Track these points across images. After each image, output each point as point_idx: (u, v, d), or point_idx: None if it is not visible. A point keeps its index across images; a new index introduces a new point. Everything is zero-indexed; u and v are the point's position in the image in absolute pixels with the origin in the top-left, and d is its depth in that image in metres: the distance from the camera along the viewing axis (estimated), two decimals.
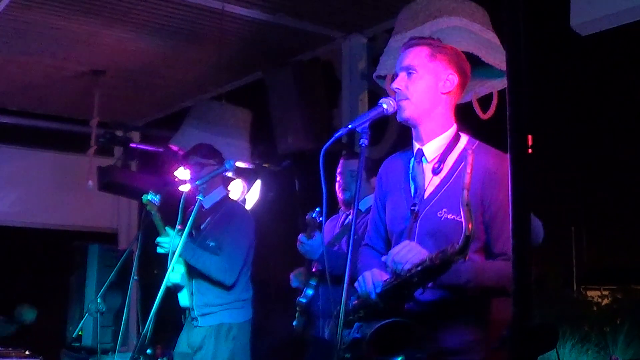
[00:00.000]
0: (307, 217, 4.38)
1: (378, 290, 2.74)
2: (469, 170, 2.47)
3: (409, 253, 2.66)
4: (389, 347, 2.69)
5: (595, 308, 16.78)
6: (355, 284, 2.83)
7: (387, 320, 2.67)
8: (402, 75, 2.98)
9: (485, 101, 4.51)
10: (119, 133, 8.23)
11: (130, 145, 8.22)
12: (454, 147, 2.94)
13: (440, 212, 2.83)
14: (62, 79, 7.88)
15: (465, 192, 2.43)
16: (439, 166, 2.91)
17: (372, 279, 2.77)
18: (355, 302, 2.88)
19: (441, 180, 2.90)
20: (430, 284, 2.64)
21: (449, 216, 2.80)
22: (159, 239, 4.75)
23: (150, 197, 4.73)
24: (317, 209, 4.34)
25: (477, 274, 2.72)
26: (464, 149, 2.91)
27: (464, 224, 2.41)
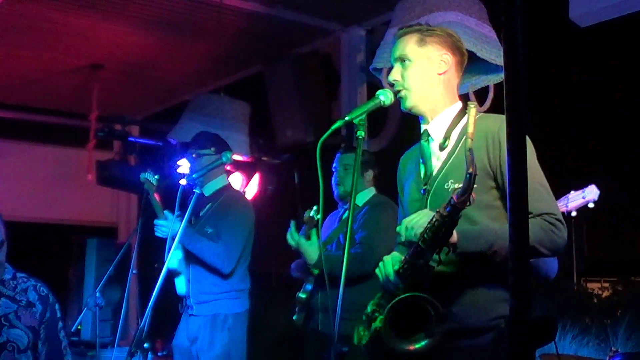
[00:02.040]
0: (305, 215, 4.36)
1: (396, 267, 2.70)
2: (472, 121, 2.49)
3: (422, 219, 2.62)
4: (409, 329, 2.63)
5: (595, 300, 16.78)
6: (376, 271, 2.80)
7: (405, 295, 2.61)
8: (397, 66, 2.99)
9: (482, 93, 4.51)
10: (118, 127, 8.24)
11: (129, 139, 8.23)
12: (458, 123, 2.94)
13: (447, 184, 2.82)
14: (60, 73, 7.88)
15: (469, 140, 2.44)
16: (445, 142, 2.91)
17: (391, 261, 2.75)
18: (380, 296, 2.85)
19: (447, 154, 2.90)
20: (447, 249, 2.58)
21: (456, 186, 2.75)
22: (156, 221, 4.73)
23: (148, 175, 4.72)
24: (315, 207, 4.32)
25: (498, 237, 2.62)
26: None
27: (466, 166, 2.39)
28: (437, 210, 2.50)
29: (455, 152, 2.87)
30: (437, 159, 2.93)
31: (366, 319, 2.84)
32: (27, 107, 9.17)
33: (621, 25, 4.76)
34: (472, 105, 2.56)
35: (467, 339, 2.72)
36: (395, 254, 2.81)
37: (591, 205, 4.05)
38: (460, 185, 2.44)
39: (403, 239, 2.70)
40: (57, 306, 3.61)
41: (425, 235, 2.53)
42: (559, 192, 4.32)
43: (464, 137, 2.83)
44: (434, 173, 2.90)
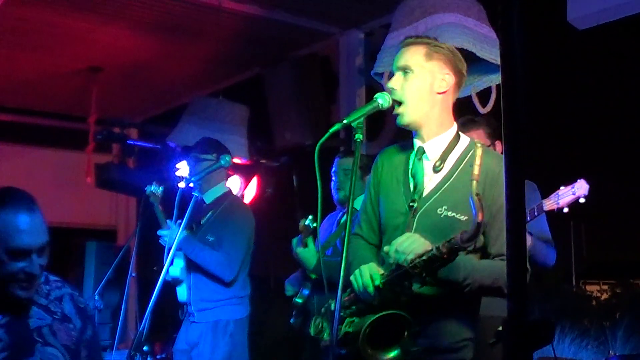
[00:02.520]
0: (300, 224, 4.39)
1: (377, 282, 2.73)
2: (478, 162, 2.53)
3: (413, 244, 2.65)
4: (384, 341, 2.69)
5: (594, 303, 16.79)
6: (351, 278, 2.82)
7: (385, 312, 2.66)
8: (398, 74, 2.98)
9: (484, 95, 4.51)
10: (117, 130, 8.23)
11: (128, 142, 8.22)
12: (455, 147, 2.96)
13: (440, 209, 2.83)
14: (59, 76, 7.88)
15: (474, 182, 2.48)
16: (440, 164, 2.92)
17: (370, 273, 2.77)
18: (347, 298, 2.88)
19: (442, 179, 2.90)
20: (429, 277, 2.63)
21: (449, 214, 2.80)
22: (160, 232, 4.77)
23: (154, 188, 4.78)
24: (310, 216, 4.34)
25: (474, 271, 2.73)
26: (466, 149, 2.93)
27: (474, 213, 2.42)
28: (437, 245, 2.54)
29: (451, 180, 2.89)
30: (430, 180, 2.93)
31: (327, 313, 2.86)
32: (25, 110, 9.18)
33: (619, 28, 4.77)
34: (479, 145, 2.59)
35: (437, 355, 2.81)
36: (372, 265, 2.82)
37: (582, 200, 4.05)
38: (452, 213, 2.65)
39: (391, 261, 2.72)
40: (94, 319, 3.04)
41: (416, 263, 2.58)
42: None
43: (462, 164, 2.88)
44: (425, 193, 2.90)
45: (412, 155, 3.01)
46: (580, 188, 4.02)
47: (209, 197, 4.98)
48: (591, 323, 12.82)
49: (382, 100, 2.89)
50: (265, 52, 6.96)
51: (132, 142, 8.32)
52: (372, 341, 2.68)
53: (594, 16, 4.54)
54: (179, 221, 4.64)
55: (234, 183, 6.50)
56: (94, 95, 7.86)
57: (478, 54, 3.94)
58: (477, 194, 2.44)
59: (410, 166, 3.00)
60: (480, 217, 2.41)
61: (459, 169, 2.89)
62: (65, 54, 7.25)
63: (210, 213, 4.97)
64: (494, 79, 4.13)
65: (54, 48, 7.07)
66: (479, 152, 2.59)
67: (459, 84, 3.02)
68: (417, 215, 2.87)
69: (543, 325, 1.68)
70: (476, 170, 2.52)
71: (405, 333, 2.67)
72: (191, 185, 4.75)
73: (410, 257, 2.61)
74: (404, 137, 3.18)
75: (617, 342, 11.33)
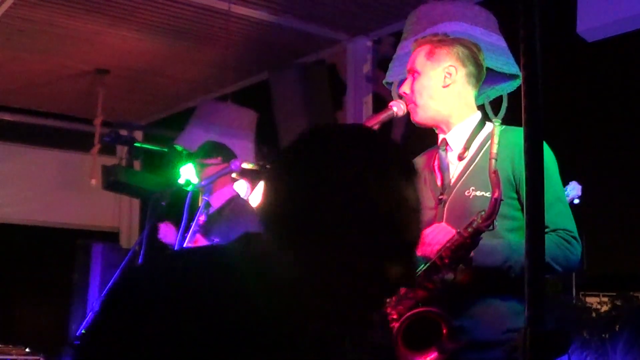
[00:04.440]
0: None
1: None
2: (495, 141, 2.54)
3: (439, 234, 2.58)
4: (420, 342, 2.57)
5: (594, 314, 16.71)
6: None
7: (414, 311, 2.56)
8: (408, 78, 3.00)
9: (497, 103, 4.52)
10: (123, 132, 8.25)
11: (134, 144, 8.23)
12: (479, 133, 2.92)
13: (468, 191, 2.77)
14: (66, 77, 7.89)
15: (493, 160, 2.48)
16: (464, 152, 2.88)
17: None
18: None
19: (467, 163, 2.86)
20: (462, 266, 2.55)
21: (478, 193, 2.73)
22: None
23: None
24: None
25: (514, 251, 2.58)
26: (489, 132, 2.87)
27: (492, 190, 2.41)
28: (458, 230, 2.48)
29: (476, 160, 2.84)
30: (455, 168, 2.89)
31: None
32: (32, 111, 9.19)
33: (629, 41, 4.78)
34: (497, 124, 2.57)
35: (478, 352, 2.67)
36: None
37: (576, 201, 4.03)
38: (481, 192, 2.53)
39: (419, 254, 2.63)
40: None
41: (442, 254, 2.50)
42: None
43: (486, 146, 2.82)
44: (452, 182, 2.87)
45: (440, 151, 2.99)
46: (573, 189, 4.00)
47: (216, 202, 4.98)
48: (591, 335, 12.74)
49: (397, 108, 2.90)
50: (273, 57, 6.97)
51: (139, 145, 8.34)
52: (408, 343, 2.56)
53: (604, 29, 4.55)
54: (191, 225, 4.64)
55: (241, 188, 6.49)
56: (101, 97, 7.87)
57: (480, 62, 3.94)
58: (494, 171, 2.43)
59: (436, 162, 2.99)
60: (496, 194, 2.38)
61: (483, 150, 2.84)
62: (72, 56, 7.26)
63: (217, 217, 4.97)
64: (505, 88, 4.13)
65: (61, 50, 7.08)
66: (495, 130, 2.57)
67: (473, 74, 2.99)
68: (446, 204, 2.82)
69: (560, 335, 1.67)
70: (494, 149, 2.51)
71: (444, 332, 2.52)
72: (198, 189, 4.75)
73: (437, 247, 2.53)
74: (410, 145, 3.20)
75: (617, 354, 11.28)
